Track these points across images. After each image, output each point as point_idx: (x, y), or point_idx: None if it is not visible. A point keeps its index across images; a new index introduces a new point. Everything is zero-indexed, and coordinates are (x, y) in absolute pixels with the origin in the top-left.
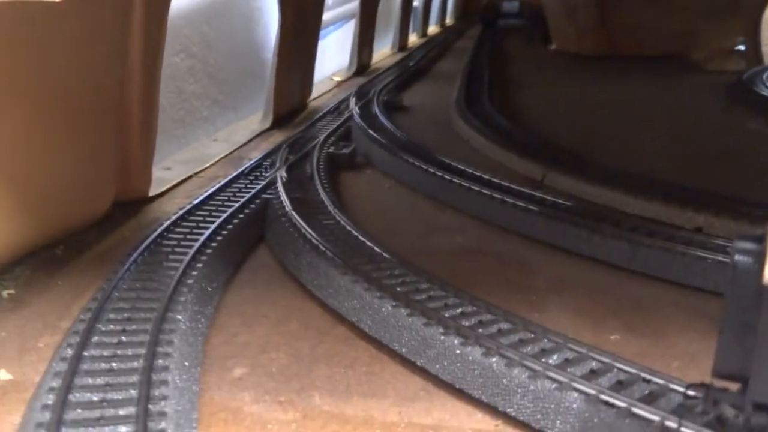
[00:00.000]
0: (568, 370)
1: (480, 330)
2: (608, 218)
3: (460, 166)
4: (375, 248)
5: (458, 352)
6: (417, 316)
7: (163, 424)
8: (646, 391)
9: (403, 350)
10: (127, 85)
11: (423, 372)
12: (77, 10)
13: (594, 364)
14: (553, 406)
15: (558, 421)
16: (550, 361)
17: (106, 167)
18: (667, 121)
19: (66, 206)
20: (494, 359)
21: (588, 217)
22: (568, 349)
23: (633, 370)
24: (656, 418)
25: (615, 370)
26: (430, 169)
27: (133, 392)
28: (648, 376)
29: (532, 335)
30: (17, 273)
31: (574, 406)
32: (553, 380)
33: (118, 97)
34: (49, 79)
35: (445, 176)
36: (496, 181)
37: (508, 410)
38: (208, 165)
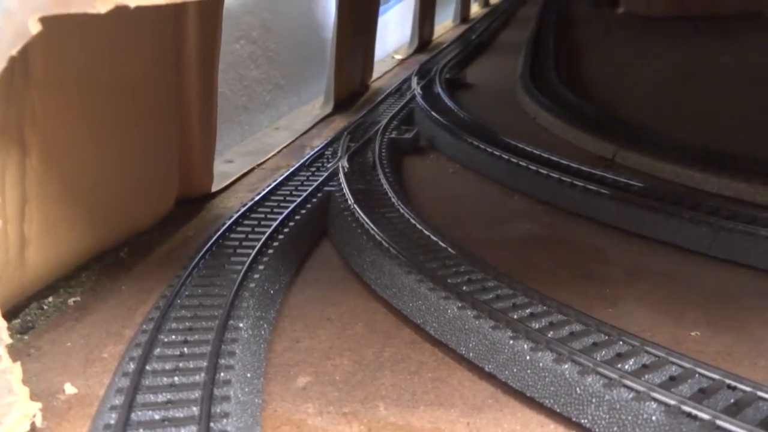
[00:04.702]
0: (646, 377)
1: (551, 333)
2: (686, 199)
3: (527, 148)
4: (440, 243)
5: (528, 357)
6: (484, 318)
7: None
8: (732, 400)
9: (471, 355)
10: (185, 82)
11: (491, 378)
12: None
13: (674, 369)
14: (630, 417)
15: None
16: (626, 368)
17: (168, 166)
18: (747, 89)
19: (130, 208)
20: (566, 366)
21: (664, 199)
22: (646, 352)
23: (716, 376)
24: None
25: (697, 375)
26: (496, 152)
27: (195, 409)
28: (733, 383)
29: (607, 338)
30: (83, 279)
31: (653, 417)
32: (630, 389)
33: (177, 96)
34: (111, 84)
35: (512, 159)
36: (565, 162)
37: (583, 421)
38: (270, 156)
